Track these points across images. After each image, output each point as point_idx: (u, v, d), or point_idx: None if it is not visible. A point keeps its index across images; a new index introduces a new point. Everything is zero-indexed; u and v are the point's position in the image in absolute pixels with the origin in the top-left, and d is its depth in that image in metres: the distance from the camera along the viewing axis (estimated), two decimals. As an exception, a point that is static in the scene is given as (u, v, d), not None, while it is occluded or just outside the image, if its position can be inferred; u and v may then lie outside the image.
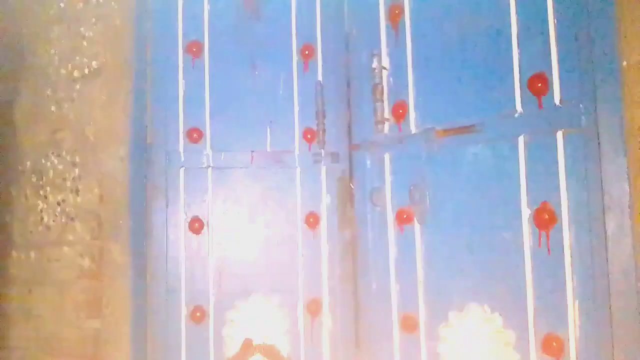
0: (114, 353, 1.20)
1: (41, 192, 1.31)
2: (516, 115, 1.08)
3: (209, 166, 1.34)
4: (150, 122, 1.28)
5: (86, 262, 1.25)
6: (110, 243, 1.24)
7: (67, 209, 1.27)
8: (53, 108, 1.30)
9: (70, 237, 1.27)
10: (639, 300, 0.85)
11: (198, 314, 1.31)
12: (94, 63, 1.26)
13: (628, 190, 0.88)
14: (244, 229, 1.36)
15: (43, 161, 1.31)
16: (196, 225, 1.34)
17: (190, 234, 1.33)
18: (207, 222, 1.34)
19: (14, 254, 1.35)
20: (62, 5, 1.31)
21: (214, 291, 1.34)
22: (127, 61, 1.25)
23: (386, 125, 1.32)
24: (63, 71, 1.30)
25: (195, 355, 1.30)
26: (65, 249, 1.27)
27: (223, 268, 1.35)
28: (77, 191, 1.27)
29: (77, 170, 1.27)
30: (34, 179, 1.32)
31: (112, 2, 1.26)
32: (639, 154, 0.85)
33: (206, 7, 1.37)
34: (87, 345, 1.23)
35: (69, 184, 1.27)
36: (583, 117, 0.94)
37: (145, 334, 1.24)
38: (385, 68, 1.32)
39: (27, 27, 1.36)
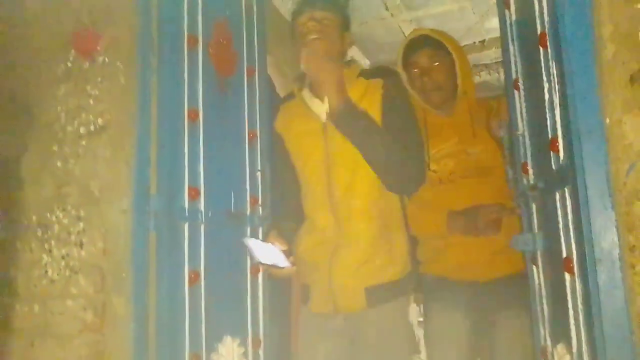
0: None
1: (46, 246, 1.36)
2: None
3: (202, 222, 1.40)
4: (154, 175, 1.33)
5: (89, 316, 1.28)
6: (113, 296, 1.27)
7: (71, 263, 1.32)
8: (59, 164, 1.36)
9: (74, 291, 1.31)
10: (634, 353, 0.88)
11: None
12: (99, 120, 1.33)
13: (617, 242, 0.92)
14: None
15: (48, 215, 1.36)
16: (192, 276, 1.38)
17: (188, 285, 1.38)
18: (200, 273, 1.40)
19: (18, 307, 1.38)
20: (69, 64, 1.39)
21: (205, 336, 1.39)
22: (132, 117, 1.32)
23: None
24: (69, 128, 1.37)
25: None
26: (69, 302, 1.30)
27: (211, 314, 1.40)
28: (81, 245, 1.31)
29: (81, 224, 1.32)
30: (39, 233, 1.37)
31: (118, 62, 1.34)
32: (625, 207, 0.90)
33: (200, 76, 1.46)
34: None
35: (73, 237, 1.32)
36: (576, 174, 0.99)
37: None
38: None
39: (35, 85, 1.44)
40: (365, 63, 6.10)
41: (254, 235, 1.56)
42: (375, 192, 1.36)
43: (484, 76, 6.80)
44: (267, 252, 1.30)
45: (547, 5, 1.08)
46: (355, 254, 1.35)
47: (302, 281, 1.52)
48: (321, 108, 1.40)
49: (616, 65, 0.89)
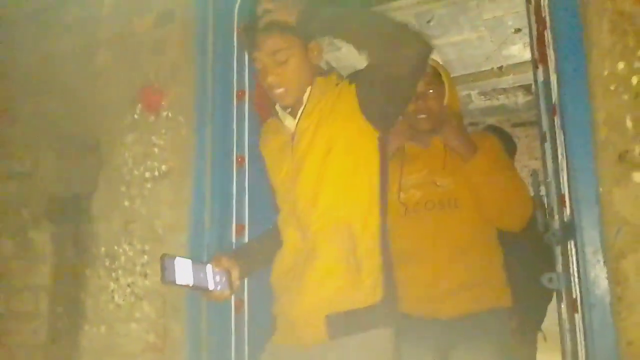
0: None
1: (113, 275, 1.58)
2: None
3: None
4: (208, 215, 1.55)
5: (151, 337, 1.50)
6: (172, 322, 1.49)
7: (135, 290, 1.54)
8: (126, 203, 1.60)
9: (138, 315, 1.53)
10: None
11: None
12: (163, 167, 1.56)
13: (609, 291, 1.11)
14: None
15: (116, 247, 1.59)
16: (237, 304, 1.59)
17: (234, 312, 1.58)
18: (244, 303, 1.60)
19: (86, 327, 1.61)
20: (135, 116, 1.63)
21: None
22: (190, 164, 1.55)
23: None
24: (136, 172, 1.60)
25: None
26: (133, 325, 1.52)
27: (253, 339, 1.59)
28: (145, 275, 1.54)
29: (146, 257, 1.54)
30: (107, 263, 1.60)
31: (180, 116, 1.57)
32: (614, 264, 1.09)
33: (247, 125, 1.68)
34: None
35: (138, 268, 1.55)
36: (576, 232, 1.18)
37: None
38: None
39: (106, 133, 1.68)
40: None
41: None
42: (342, 207, 1.21)
43: (502, 99, 6.98)
44: (197, 272, 1.14)
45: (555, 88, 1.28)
46: (316, 272, 1.20)
47: (272, 311, 1.35)
48: (292, 122, 1.28)
49: (608, 145, 1.09)
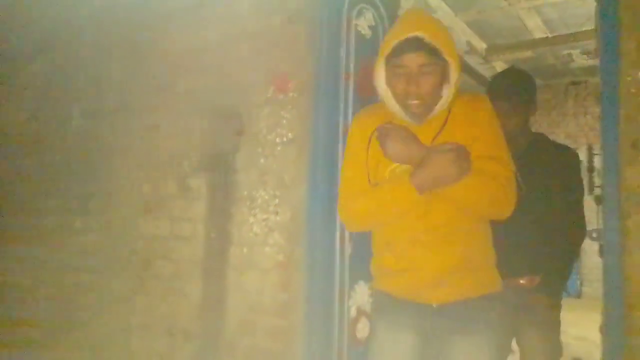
0: (295, 312, 2.09)
1: (252, 212, 2.25)
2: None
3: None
4: (321, 171, 2.14)
5: (280, 257, 2.15)
6: (295, 247, 2.13)
7: (269, 224, 2.19)
8: (262, 160, 2.23)
9: (271, 241, 2.18)
10: None
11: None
12: (289, 134, 2.17)
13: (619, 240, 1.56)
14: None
15: (254, 192, 2.25)
16: (341, 234, 2.19)
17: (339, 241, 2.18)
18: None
19: (232, 249, 2.30)
20: (269, 95, 2.23)
21: (348, 278, 2.18)
22: (309, 133, 2.13)
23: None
24: (269, 137, 2.22)
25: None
26: (267, 248, 2.19)
27: (353, 262, 2.18)
28: (276, 213, 2.18)
29: (277, 200, 2.18)
30: (247, 203, 2.26)
31: (302, 96, 2.15)
32: (624, 219, 1.54)
33: (351, 101, 2.21)
34: (278, 308, 2.13)
35: (271, 208, 2.19)
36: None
37: (312, 300, 2.11)
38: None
39: (246, 107, 2.30)
40: (481, 47, 6.51)
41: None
42: None
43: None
44: None
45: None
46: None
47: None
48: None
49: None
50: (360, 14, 2.37)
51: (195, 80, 2.53)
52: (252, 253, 2.24)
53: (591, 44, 6.02)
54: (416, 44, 1.37)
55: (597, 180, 1.88)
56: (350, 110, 2.28)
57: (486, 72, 6.92)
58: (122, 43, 2.85)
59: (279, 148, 2.20)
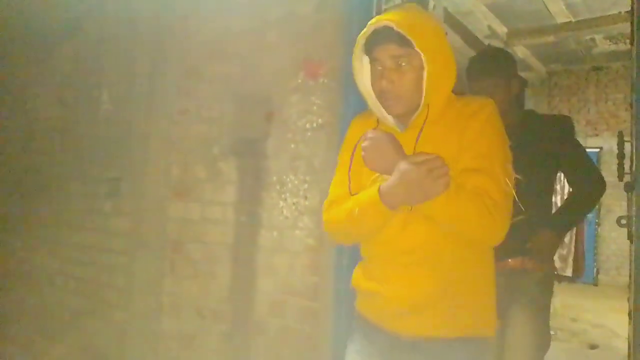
0: (325, 294, 2.15)
1: (282, 196, 2.30)
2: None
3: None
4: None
5: (310, 241, 2.22)
6: (325, 231, 2.18)
7: (299, 208, 2.25)
8: (292, 145, 2.28)
9: (300, 225, 2.24)
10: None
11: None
12: (319, 120, 2.21)
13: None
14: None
15: (284, 177, 2.30)
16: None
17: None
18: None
19: (263, 232, 2.36)
20: (299, 81, 2.28)
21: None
22: (338, 119, 2.18)
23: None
24: (299, 123, 2.27)
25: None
26: (297, 231, 2.25)
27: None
28: (306, 197, 2.24)
29: (306, 185, 2.24)
30: (277, 187, 2.32)
31: (332, 83, 2.19)
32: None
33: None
34: (308, 290, 2.20)
35: (301, 192, 2.25)
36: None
37: (341, 283, 2.18)
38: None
39: (276, 93, 2.35)
40: (502, 31, 6.47)
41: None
42: None
43: (629, 44, 6.80)
44: None
45: None
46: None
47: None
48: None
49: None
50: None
51: (224, 66, 2.57)
52: (282, 236, 2.30)
53: (616, 28, 5.97)
54: (385, 34, 1.24)
55: (626, 167, 1.89)
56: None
57: (507, 57, 6.88)
58: (151, 28, 2.90)
59: (308, 134, 2.25)
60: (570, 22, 6.01)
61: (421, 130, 1.28)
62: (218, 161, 2.56)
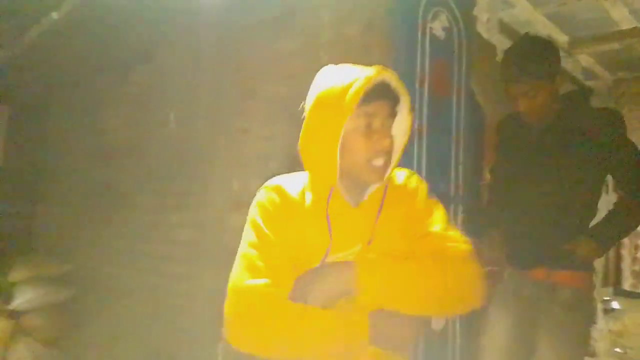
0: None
1: (332, 207, 2.44)
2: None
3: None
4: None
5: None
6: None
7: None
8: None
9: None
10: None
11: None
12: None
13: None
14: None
15: (334, 189, 2.44)
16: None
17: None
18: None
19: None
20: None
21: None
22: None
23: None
24: (348, 138, 2.41)
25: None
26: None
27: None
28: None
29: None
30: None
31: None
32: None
33: (425, 101, 2.36)
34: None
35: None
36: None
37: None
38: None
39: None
40: (563, 40, 6.36)
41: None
42: None
43: None
44: None
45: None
46: None
47: None
48: None
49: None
50: (435, 17, 2.51)
51: (279, 86, 2.77)
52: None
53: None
54: (382, 90, 1.21)
55: None
56: (425, 111, 2.44)
57: (569, 66, 6.74)
58: (212, 53, 3.16)
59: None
60: (636, 28, 5.84)
61: (381, 206, 1.16)
62: (274, 176, 2.74)
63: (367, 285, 1.05)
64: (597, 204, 1.93)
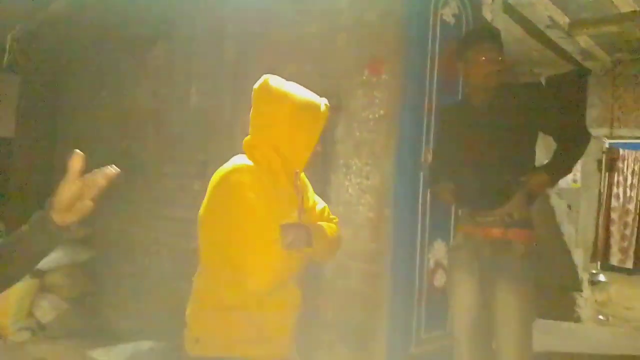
0: (383, 260, 2.57)
1: (347, 177, 2.74)
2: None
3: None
4: (407, 142, 2.59)
5: (371, 215, 2.64)
6: (384, 206, 2.60)
7: (362, 187, 2.68)
8: (357, 133, 2.71)
9: (363, 201, 2.67)
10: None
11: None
12: (381, 111, 2.63)
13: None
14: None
15: (349, 161, 2.73)
16: (424, 198, 2.64)
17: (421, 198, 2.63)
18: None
19: (330, 207, 2.80)
20: (364, 78, 2.69)
21: (428, 235, 2.64)
22: (398, 110, 2.58)
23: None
24: (363, 114, 2.69)
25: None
26: (360, 207, 2.68)
27: (429, 217, 2.63)
28: (367, 178, 2.66)
29: (368, 167, 2.66)
30: (344, 170, 2.76)
31: (392, 79, 2.59)
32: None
33: (435, 85, 2.63)
34: (369, 256, 2.63)
35: (364, 173, 2.67)
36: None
37: (397, 251, 2.59)
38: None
39: (343, 88, 2.78)
40: (564, 21, 6.57)
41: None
42: None
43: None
44: None
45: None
46: None
47: None
48: None
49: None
50: (445, 3, 2.76)
51: (299, 66, 3.02)
52: (348, 211, 2.73)
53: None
54: None
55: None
56: (434, 90, 2.70)
57: (568, 47, 6.96)
58: (234, 31, 3.40)
59: (371, 123, 2.67)
60: (635, 11, 6.06)
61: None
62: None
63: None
64: (533, 159, 2.37)
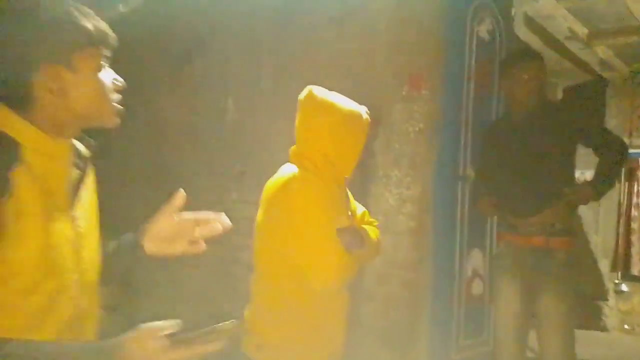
0: (423, 268, 2.67)
1: (387, 187, 2.85)
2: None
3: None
4: (447, 152, 2.70)
5: (411, 224, 2.75)
6: (424, 215, 2.70)
7: (402, 197, 2.79)
8: (397, 145, 2.82)
9: (404, 211, 2.78)
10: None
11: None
12: (420, 124, 2.74)
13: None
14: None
15: (389, 172, 2.84)
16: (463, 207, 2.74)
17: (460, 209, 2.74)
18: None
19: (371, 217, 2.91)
20: (404, 93, 2.81)
21: (467, 241, 2.74)
22: (435, 124, 2.69)
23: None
24: (402, 127, 2.80)
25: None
26: (401, 217, 2.78)
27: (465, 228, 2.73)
28: (408, 188, 2.77)
29: (409, 178, 2.77)
30: (384, 180, 2.87)
31: (432, 93, 2.70)
32: None
33: (471, 97, 2.75)
34: (410, 264, 2.73)
35: (404, 184, 2.78)
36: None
37: (437, 259, 2.68)
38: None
39: (384, 102, 2.90)
40: (582, 32, 6.67)
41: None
42: None
43: None
44: None
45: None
46: None
47: None
48: None
49: None
50: (481, 20, 2.89)
51: (340, 81, 3.12)
52: (388, 220, 2.84)
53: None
54: None
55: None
56: (470, 106, 2.81)
57: (587, 58, 7.05)
58: (272, 48, 3.53)
59: (411, 136, 2.78)
60: (654, 21, 6.14)
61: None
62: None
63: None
64: (573, 169, 2.49)
